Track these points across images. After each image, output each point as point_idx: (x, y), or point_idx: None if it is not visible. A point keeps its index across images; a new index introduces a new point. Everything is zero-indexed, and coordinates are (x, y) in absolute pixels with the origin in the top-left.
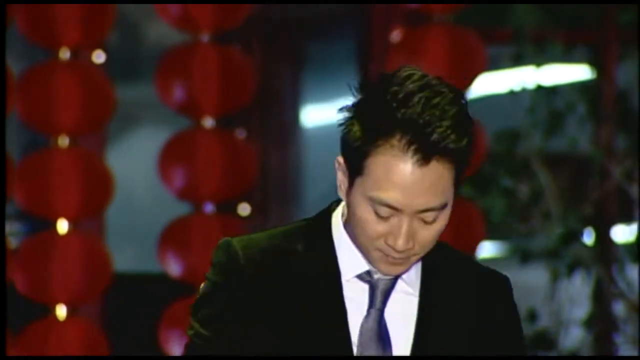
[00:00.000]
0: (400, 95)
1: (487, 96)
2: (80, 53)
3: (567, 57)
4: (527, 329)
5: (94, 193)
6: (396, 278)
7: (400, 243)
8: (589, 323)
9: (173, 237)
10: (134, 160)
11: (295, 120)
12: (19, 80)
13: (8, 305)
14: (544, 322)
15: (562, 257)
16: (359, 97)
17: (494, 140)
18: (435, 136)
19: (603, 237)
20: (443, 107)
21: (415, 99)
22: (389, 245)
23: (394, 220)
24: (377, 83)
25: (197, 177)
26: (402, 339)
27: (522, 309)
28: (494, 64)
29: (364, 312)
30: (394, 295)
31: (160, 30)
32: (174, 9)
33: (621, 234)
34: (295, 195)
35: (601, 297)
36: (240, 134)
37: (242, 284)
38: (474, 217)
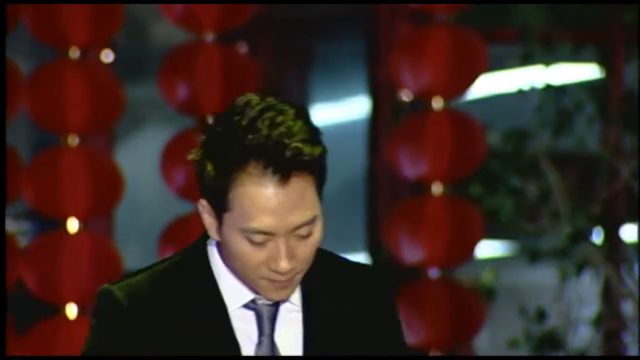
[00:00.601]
0: (244, 123)
1: (495, 95)
2: (89, 52)
3: (575, 56)
4: (536, 329)
5: (104, 192)
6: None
7: (283, 265)
8: (598, 322)
9: (174, 236)
10: (141, 160)
11: None
12: (28, 79)
13: (18, 305)
14: (552, 321)
15: (571, 257)
16: (205, 135)
17: (502, 139)
18: (288, 153)
19: (612, 236)
20: (288, 124)
21: (259, 123)
22: (272, 271)
23: (271, 245)
24: (217, 118)
25: None
26: (295, 353)
27: (531, 308)
28: (501, 64)
29: (254, 340)
30: (279, 317)
31: (168, 29)
32: (178, 8)
33: (630, 233)
34: None
35: (610, 297)
36: None
37: (129, 328)
38: (472, 217)
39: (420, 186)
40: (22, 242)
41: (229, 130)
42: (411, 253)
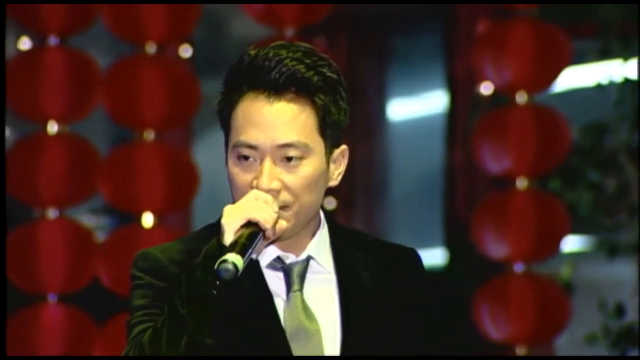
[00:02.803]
0: (252, 53)
1: (574, 90)
2: (167, 47)
3: None
4: (615, 324)
5: (179, 187)
6: (308, 260)
7: (263, 180)
8: None
9: None
10: (219, 155)
11: (381, 114)
12: (105, 74)
13: (95, 299)
14: (631, 316)
15: None
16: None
17: (580, 133)
18: (283, 69)
19: None
20: (292, 50)
21: (263, 51)
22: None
23: (257, 167)
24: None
25: None
26: (327, 314)
27: (610, 303)
28: (581, 58)
29: (284, 297)
30: (309, 276)
31: (247, 25)
32: (260, 4)
33: None
34: (381, 188)
35: None
36: None
37: (170, 282)
38: (557, 212)
39: (499, 181)
40: (101, 237)
41: (237, 62)
42: (496, 248)
